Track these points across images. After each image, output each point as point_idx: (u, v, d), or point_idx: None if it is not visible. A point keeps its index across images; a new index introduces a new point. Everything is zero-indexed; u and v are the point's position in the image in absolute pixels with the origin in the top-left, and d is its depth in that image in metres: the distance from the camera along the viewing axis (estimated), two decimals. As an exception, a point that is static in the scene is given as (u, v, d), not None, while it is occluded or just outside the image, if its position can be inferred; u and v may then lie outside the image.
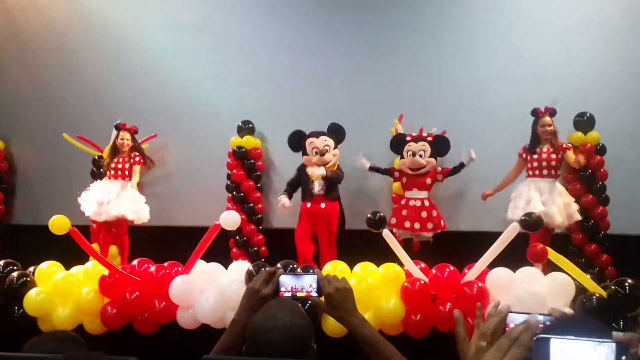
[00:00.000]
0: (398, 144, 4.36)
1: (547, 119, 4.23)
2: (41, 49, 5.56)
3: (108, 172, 4.75)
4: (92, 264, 3.40)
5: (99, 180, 4.81)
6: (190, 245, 3.21)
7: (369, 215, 3.17)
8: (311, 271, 1.55)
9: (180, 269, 3.25)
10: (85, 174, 5.00)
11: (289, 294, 1.48)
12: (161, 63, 5.32)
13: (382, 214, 3.18)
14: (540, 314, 1.15)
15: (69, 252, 3.35)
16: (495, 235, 2.97)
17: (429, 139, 4.26)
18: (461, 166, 4.26)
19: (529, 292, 2.78)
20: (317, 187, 4.24)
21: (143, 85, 5.33)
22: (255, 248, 4.90)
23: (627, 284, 2.82)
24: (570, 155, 4.19)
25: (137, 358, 1.23)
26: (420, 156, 4.21)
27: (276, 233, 4.92)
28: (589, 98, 4.54)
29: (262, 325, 1.35)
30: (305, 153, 4.33)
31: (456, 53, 4.91)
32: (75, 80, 5.45)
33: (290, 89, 5.09)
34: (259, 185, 5.04)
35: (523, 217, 2.89)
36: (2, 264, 3.38)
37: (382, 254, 3.18)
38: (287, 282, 1.49)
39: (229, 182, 4.97)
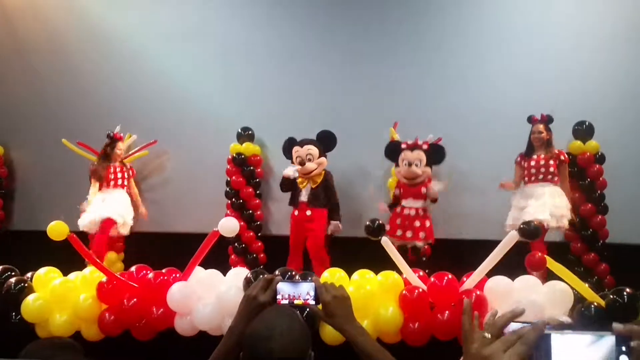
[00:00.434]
0: (393, 151, 4.34)
1: (540, 126, 4.26)
2: (41, 55, 5.58)
3: (105, 182, 4.76)
4: (90, 270, 3.39)
5: (98, 194, 4.77)
6: (189, 251, 3.21)
7: (367, 223, 3.17)
8: (309, 279, 1.54)
9: (178, 275, 3.24)
10: (85, 180, 4.99)
11: (287, 302, 1.48)
12: (161, 69, 5.34)
13: (380, 222, 3.18)
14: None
15: (67, 258, 3.35)
16: (494, 244, 2.97)
17: (425, 147, 4.23)
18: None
19: (528, 300, 2.78)
20: (304, 194, 4.25)
21: (143, 91, 5.34)
22: (254, 255, 4.89)
23: (625, 293, 2.83)
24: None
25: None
26: (417, 165, 4.20)
27: (275, 240, 4.91)
28: (588, 107, 4.55)
29: (259, 333, 1.34)
30: None
31: (453, 61, 4.92)
32: (75, 86, 5.47)
33: (290, 96, 5.10)
34: (258, 192, 5.05)
35: (522, 226, 2.90)
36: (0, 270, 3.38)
37: (379, 262, 3.18)
38: (285, 290, 1.48)
39: (228, 189, 4.97)
